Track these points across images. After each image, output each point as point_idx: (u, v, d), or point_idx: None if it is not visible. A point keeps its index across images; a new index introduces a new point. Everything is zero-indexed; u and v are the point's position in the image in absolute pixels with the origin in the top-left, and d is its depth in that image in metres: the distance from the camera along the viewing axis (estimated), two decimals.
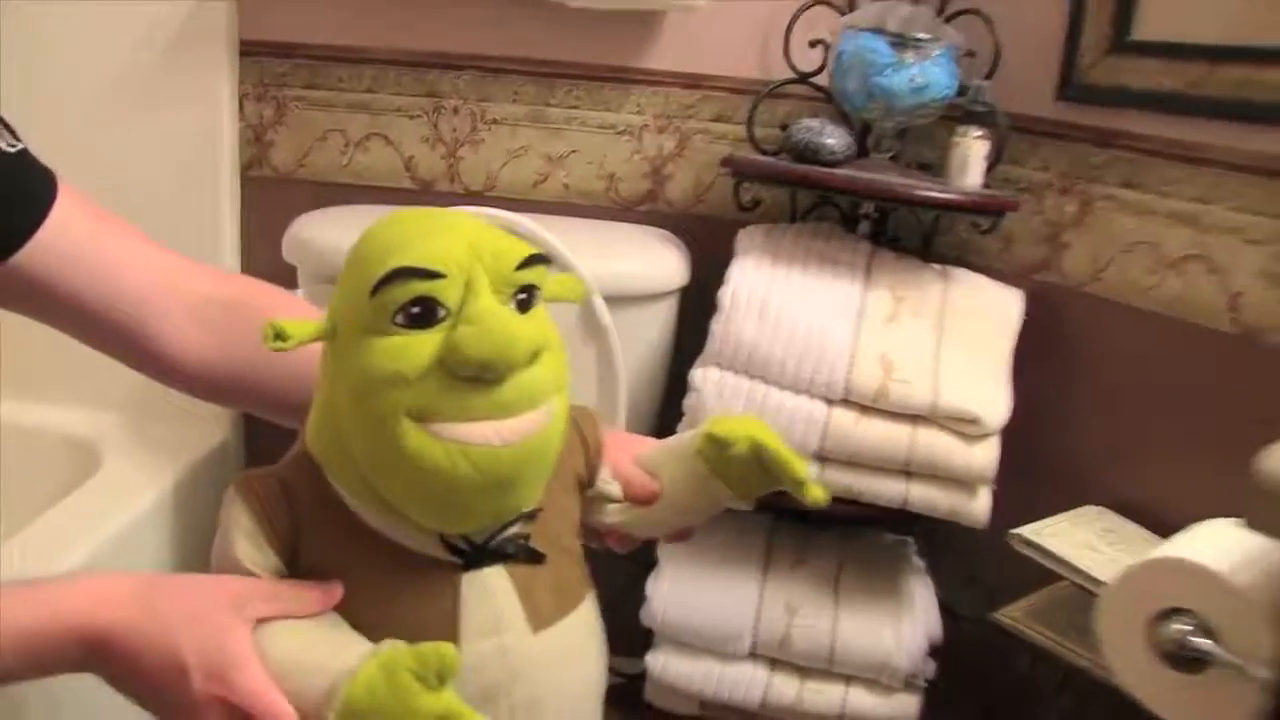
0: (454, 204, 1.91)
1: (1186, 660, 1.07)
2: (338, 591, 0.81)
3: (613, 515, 0.96)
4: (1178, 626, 1.07)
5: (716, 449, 0.90)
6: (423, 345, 0.74)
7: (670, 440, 1.00)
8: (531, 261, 0.78)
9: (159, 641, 0.75)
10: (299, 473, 0.83)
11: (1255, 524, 0.79)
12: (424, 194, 2.06)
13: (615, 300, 1.71)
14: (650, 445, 1.00)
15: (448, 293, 0.74)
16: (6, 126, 0.92)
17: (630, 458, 0.97)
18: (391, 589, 0.81)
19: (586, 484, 0.94)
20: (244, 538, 0.81)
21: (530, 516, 0.84)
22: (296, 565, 0.83)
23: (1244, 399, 1.56)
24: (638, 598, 1.74)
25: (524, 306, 0.78)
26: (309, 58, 2.05)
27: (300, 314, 0.91)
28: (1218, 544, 1.10)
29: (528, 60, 1.99)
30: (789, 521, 1.85)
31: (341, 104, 2.06)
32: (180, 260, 1.02)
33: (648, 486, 0.95)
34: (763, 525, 1.84)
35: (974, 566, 1.81)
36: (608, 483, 0.95)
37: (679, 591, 1.74)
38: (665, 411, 1.79)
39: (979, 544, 1.67)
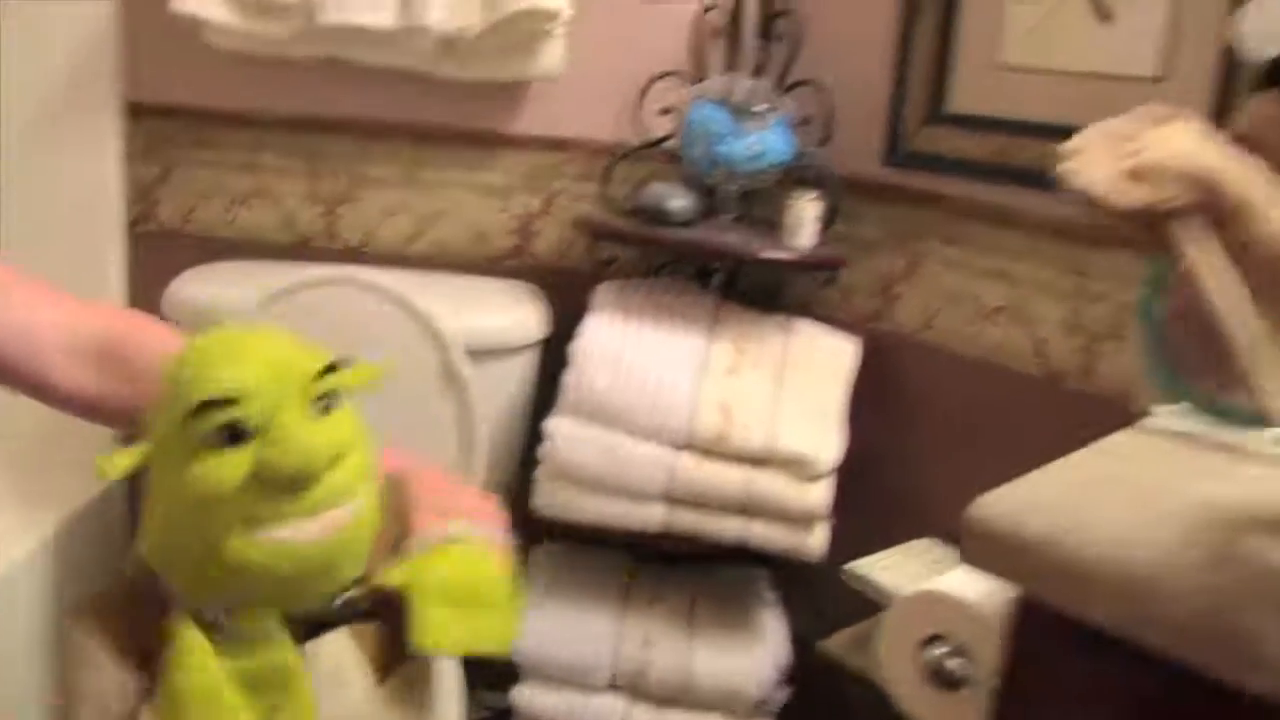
0: (333, 260, 2.03)
1: (946, 680, 1.20)
2: None
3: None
4: (938, 650, 1.20)
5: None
6: (235, 463, 0.82)
7: None
8: (329, 370, 0.87)
9: None
10: (139, 583, 0.90)
11: (965, 558, 0.92)
12: (304, 250, 2.15)
13: (477, 353, 1.82)
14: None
15: (253, 412, 0.83)
16: None
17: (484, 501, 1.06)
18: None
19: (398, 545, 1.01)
20: (92, 670, 0.87)
21: (360, 581, 0.92)
22: (152, 669, 0.88)
23: (1051, 437, 1.70)
24: None
25: (328, 410, 0.87)
26: (195, 119, 2.15)
27: (174, 346, 0.97)
28: (975, 575, 1.23)
29: (402, 125, 2.10)
30: (648, 559, 1.97)
31: (226, 164, 2.16)
32: (62, 296, 1.09)
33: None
34: (622, 562, 1.96)
35: (821, 598, 1.93)
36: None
37: (543, 627, 1.85)
38: (528, 460, 1.90)
39: (825, 577, 1.80)
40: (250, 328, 0.92)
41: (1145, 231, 0.72)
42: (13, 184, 2.05)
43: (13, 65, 2.03)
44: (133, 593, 0.90)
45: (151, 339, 1.10)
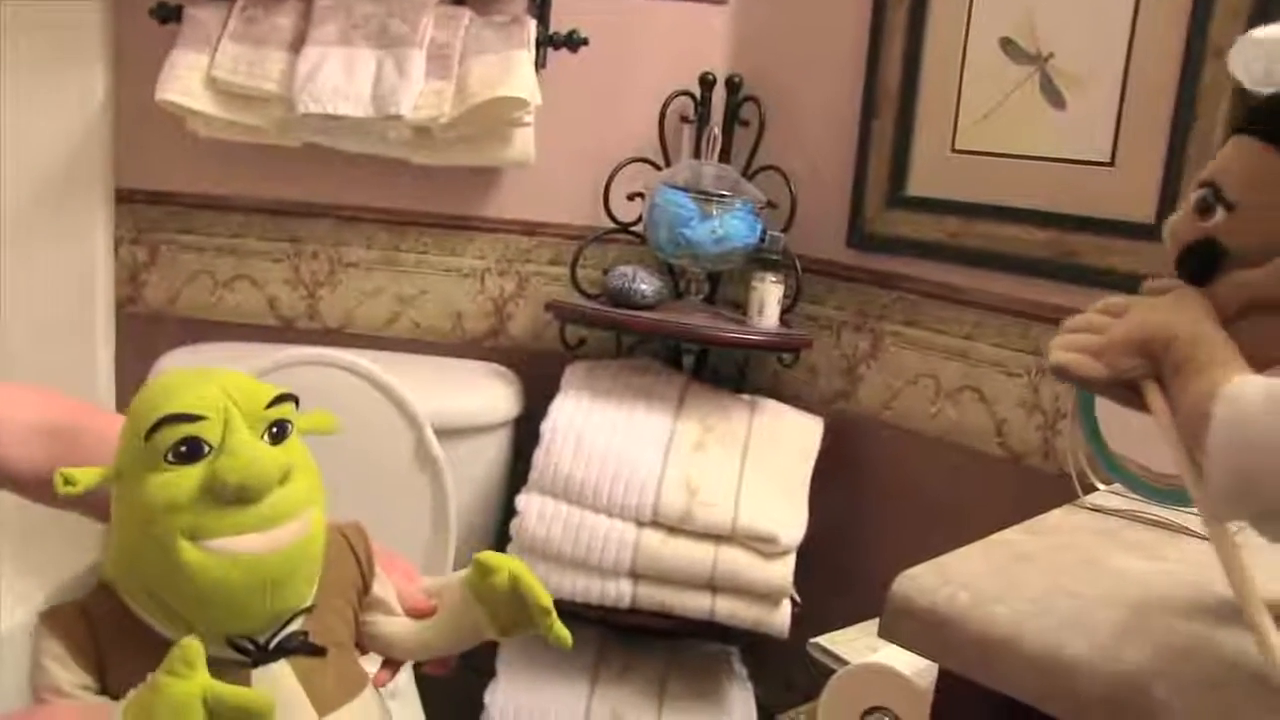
0: (315, 341, 2.08)
1: None
2: None
3: (388, 626, 1.09)
4: None
5: (480, 575, 1.03)
6: (191, 476, 0.90)
7: (451, 574, 1.14)
8: (280, 400, 0.95)
9: None
10: (100, 600, 0.97)
11: (882, 633, 0.95)
12: (287, 331, 2.20)
13: (451, 432, 1.85)
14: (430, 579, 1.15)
15: (208, 431, 0.91)
16: None
17: (412, 580, 1.13)
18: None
19: (363, 590, 1.08)
20: (53, 661, 0.94)
21: (307, 613, 0.99)
22: (105, 681, 0.95)
23: (1013, 515, 1.73)
24: (477, 707, 1.87)
25: (277, 439, 0.95)
26: (181, 205, 2.20)
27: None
28: None
29: (380, 209, 2.16)
30: (618, 634, 1.99)
31: (210, 248, 2.21)
32: (20, 389, 1.15)
33: (424, 603, 1.10)
34: (594, 637, 1.98)
35: (790, 673, 1.95)
36: (384, 589, 1.09)
37: (514, 700, 1.87)
38: (502, 536, 1.93)
39: (793, 652, 1.82)
40: (208, 366, 1.00)
41: (1131, 396, 0.77)
42: (6, 267, 2.10)
43: (8, 154, 2.09)
44: (95, 605, 0.97)
45: (101, 422, 1.14)
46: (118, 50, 2.12)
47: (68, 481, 0.90)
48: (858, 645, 1.74)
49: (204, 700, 0.83)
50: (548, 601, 1.03)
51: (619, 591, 1.77)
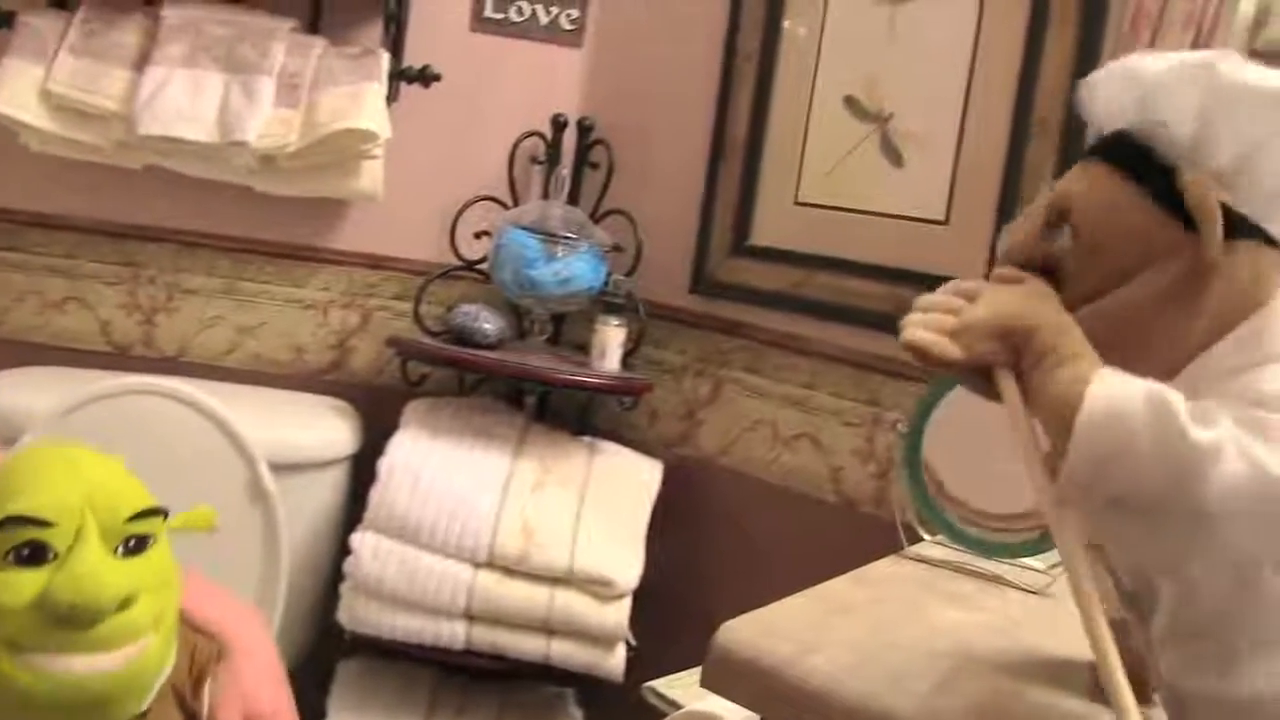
0: (150, 369, 2.02)
1: None
2: None
3: None
4: None
5: None
6: (26, 583, 0.85)
7: None
8: (146, 514, 0.91)
9: None
10: None
11: (704, 682, 0.96)
12: (121, 358, 2.13)
13: (286, 467, 1.82)
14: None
15: (56, 538, 0.86)
16: None
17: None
18: None
19: (189, 698, 1.03)
20: None
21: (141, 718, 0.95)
22: None
23: (847, 561, 1.76)
24: None
25: (134, 551, 0.91)
26: (10, 222, 2.12)
27: None
28: None
29: (222, 236, 2.12)
30: (453, 675, 1.97)
31: (40, 267, 2.14)
32: None
33: None
34: (428, 677, 1.95)
35: (625, 716, 1.95)
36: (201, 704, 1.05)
37: None
38: (337, 574, 1.89)
39: (629, 694, 1.82)
40: (82, 452, 0.95)
41: (982, 382, 0.78)
42: None
43: None
44: None
45: None
46: None
47: None
48: (692, 690, 1.74)
49: None
50: None
51: (453, 633, 1.76)
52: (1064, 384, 0.72)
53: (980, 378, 0.78)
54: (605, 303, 1.91)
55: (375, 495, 1.79)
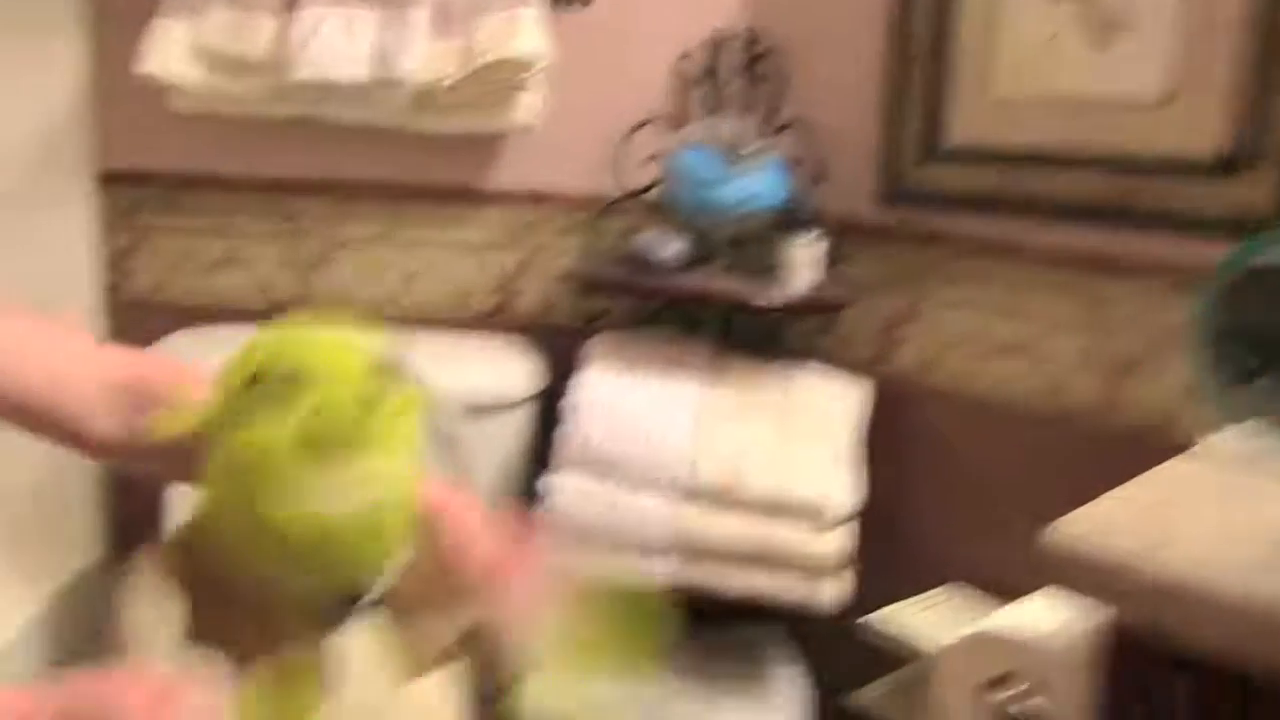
0: None
1: None
2: None
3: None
4: (1006, 693, 1.14)
5: None
6: (283, 431, 0.83)
7: None
8: (381, 363, 0.90)
9: None
10: (183, 557, 0.91)
11: (1051, 579, 0.86)
12: (279, 316, 2.07)
13: (468, 411, 1.74)
14: None
15: (308, 386, 0.84)
16: None
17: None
18: (268, 652, 0.88)
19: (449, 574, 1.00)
20: (145, 601, 0.88)
21: (385, 585, 0.92)
22: (190, 634, 0.88)
23: (1069, 477, 1.65)
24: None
25: (375, 402, 0.88)
26: (166, 185, 2.09)
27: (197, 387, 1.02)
28: (1038, 612, 1.17)
29: (377, 183, 2.05)
30: None
31: (199, 230, 2.10)
32: (91, 343, 1.09)
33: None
34: None
35: (837, 652, 1.86)
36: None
37: (551, 689, 1.76)
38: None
39: (840, 630, 1.73)
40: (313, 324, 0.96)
41: None
42: None
43: None
44: (183, 559, 0.91)
45: (167, 375, 1.09)
46: (96, 20, 2.00)
47: (164, 425, 0.86)
48: (916, 620, 1.66)
49: None
50: None
51: (661, 570, 1.67)
52: None
53: None
54: (790, 220, 1.81)
55: (569, 433, 1.71)
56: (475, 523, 1.06)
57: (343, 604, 0.91)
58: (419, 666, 0.96)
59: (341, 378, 0.87)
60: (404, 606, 0.95)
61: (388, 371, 0.90)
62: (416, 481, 0.93)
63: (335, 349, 0.89)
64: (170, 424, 0.86)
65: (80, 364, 1.07)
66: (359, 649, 0.92)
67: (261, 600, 0.89)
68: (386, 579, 0.93)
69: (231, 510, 0.86)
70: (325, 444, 0.84)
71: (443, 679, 0.99)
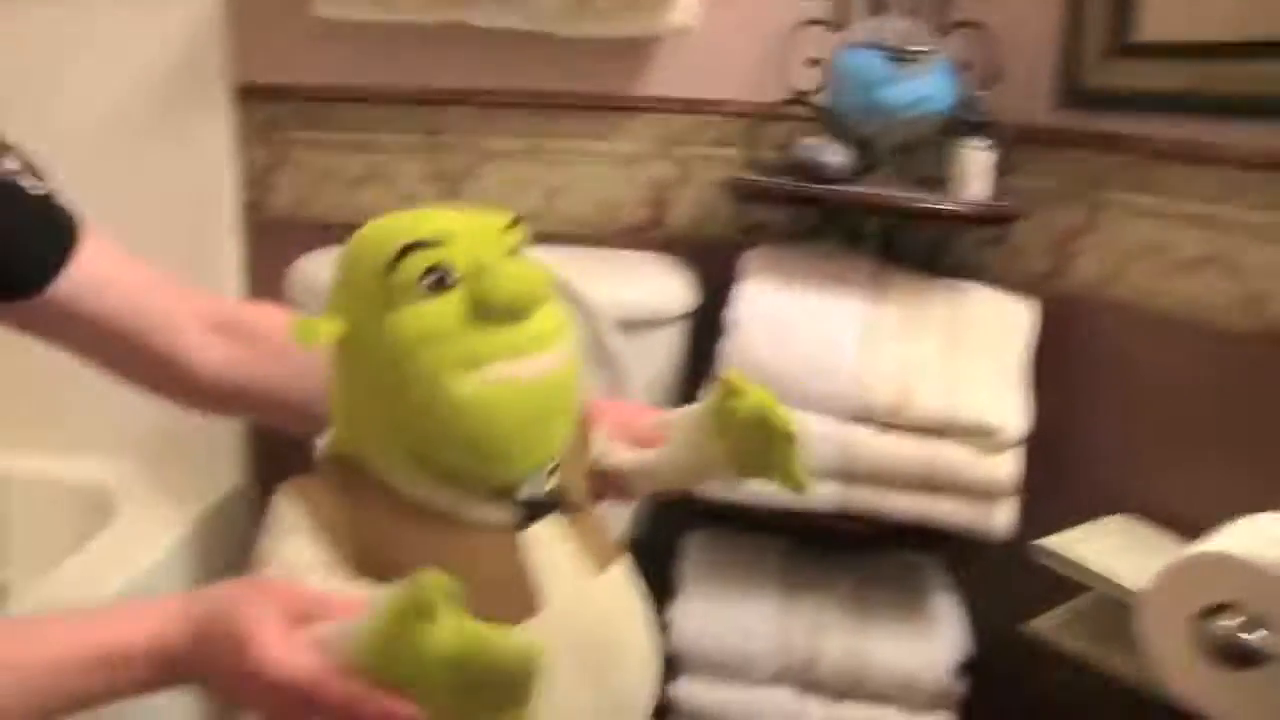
0: None
1: (1237, 656, 1.04)
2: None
3: (613, 459, 0.99)
4: (1225, 622, 1.05)
5: (725, 397, 0.93)
6: (447, 304, 0.79)
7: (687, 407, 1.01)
8: (515, 223, 0.85)
9: (225, 647, 0.74)
10: (338, 478, 0.85)
11: None
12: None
13: (625, 326, 1.69)
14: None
15: (456, 255, 0.79)
16: (35, 170, 0.97)
17: (637, 418, 1.02)
18: (462, 561, 0.81)
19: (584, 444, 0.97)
20: (293, 535, 0.82)
21: (554, 471, 0.88)
22: (360, 570, 0.82)
23: (1263, 399, 1.54)
24: (659, 625, 1.71)
25: (537, 269, 0.84)
26: (307, 99, 2.04)
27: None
28: (1259, 536, 1.08)
29: (524, 93, 1.98)
30: (811, 544, 1.82)
31: (341, 145, 2.05)
32: (196, 289, 1.10)
33: (651, 434, 0.99)
34: (785, 549, 1.82)
35: (999, 581, 1.78)
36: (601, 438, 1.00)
37: (701, 618, 1.71)
38: None
39: (1003, 558, 1.65)
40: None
41: None
42: (123, 176, 1.95)
43: (120, 52, 1.95)
44: (335, 478, 0.86)
45: (269, 316, 1.13)
46: None
47: (305, 333, 0.79)
48: (1091, 547, 1.57)
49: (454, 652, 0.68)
50: (794, 428, 0.93)
51: (824, 494, 1.60)
52: None
53: None
54: (960, 125, 1.70)
55: (730, 350, 1.64)
56: (641, 414, 1.04)
57: (526, 497, 0.85)
58: (603, 560, 0.90)
59: (496, 242, 0.83)
60: (577, 499, 0.91)
61: (515, 224, 0.86)
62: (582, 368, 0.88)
63: (478, 218, 0.84)
64: (312, 328, 0.80)
65: (192, 303, 1.07)
66: (549, 546, 0.86)
67: (436, 507, 0.83)
68: (563, 468, 0.89)
69: (405, 409, 0.81)
70: (497, 311, 0.79)
71: (624, 570, 0.93)
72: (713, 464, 0.96)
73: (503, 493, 0.84)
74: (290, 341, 1.02)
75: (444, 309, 0.79)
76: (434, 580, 0.68)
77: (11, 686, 0.73)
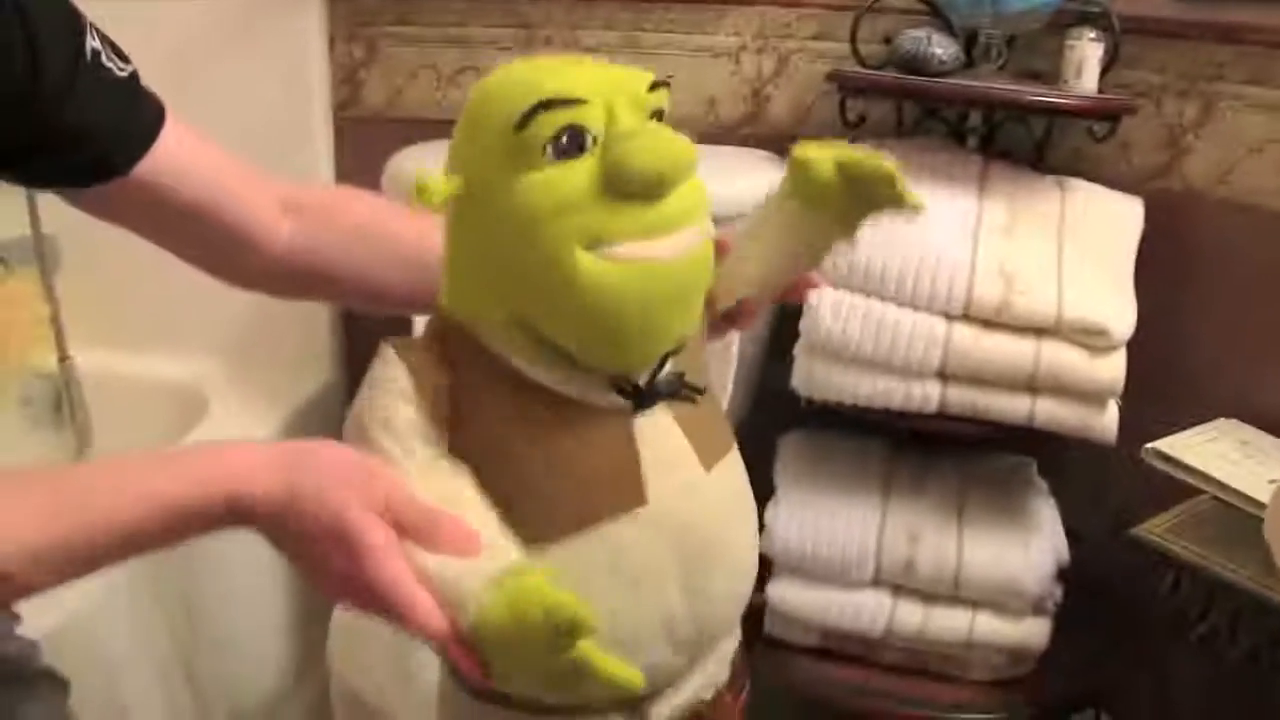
0: None
1: None
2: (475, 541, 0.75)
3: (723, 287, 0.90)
4: None
5: (802, 175, 0.87)
6: (580, 172, 0.73)
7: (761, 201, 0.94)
8: (658, 85, 0.79)
9: (310, 507, 0.72)
10: (447, 343, 0.81)
11: None
12: None
13: (723, 221, 1.66)
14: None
15: (592, 119, 0.74)
16: (118, 52, 0.95)
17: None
18: (568, 444, 0.79)
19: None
20: (398, 396, 0.79)
21: (677, 354, 0.83)
22: (456, 439, 0.80)
23: None
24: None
25: (674, 134, 0.78)
26: None
27: (394, 215, 1.03)
28: None
29: None
30: (908, 446, 1.81)
31: (432, 39, 2.03)
32: (276, 176, 1.08)
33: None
34: (882, 451, 1.81)
35: (1098, 486, 1.76)
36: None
37: (798, 520, 1.71)
38: (779, 331, 1.74)
39: (1102, 463, 1.63)
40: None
41: None
42: (214, 74, 1.96)
43: None
44: (439, 341, 0.82)
45: (376, 201, 1.12)
46: None
47: (424, 191, 0.73)
48: (1204, 451, 1.54)
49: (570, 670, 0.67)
50: (890, 167, 0.85)
51: (925, 394, 1.58)
52: None
53: None
54: (1071, 16, 1.65)
55: None
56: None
57: (643, 381, 0.81)
58: (715, 452, 0.86)
59: (638, 105, 0.76)
60: (695, 383, 0.85)
61: (659, 86, 0.80)
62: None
63: (620, 76, 0.77)
64: (432, 186, 0.73)
65: (271, 183, 1.06)
66: (666, 434, 0.83)
67: (546, 385, 0.79)
68: (683, 351, 0.83)
69: (524, 280, 0.76)
70: (634, 185, 0.73)
71: (734, 466, 0.90)
72: (820, 236, 0.90)
73: (619, 376, 0.80)
74: (369, 220, 1.03)
75: (575, 177, 0.73)
76: (585, 616, 0.64)
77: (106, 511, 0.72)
